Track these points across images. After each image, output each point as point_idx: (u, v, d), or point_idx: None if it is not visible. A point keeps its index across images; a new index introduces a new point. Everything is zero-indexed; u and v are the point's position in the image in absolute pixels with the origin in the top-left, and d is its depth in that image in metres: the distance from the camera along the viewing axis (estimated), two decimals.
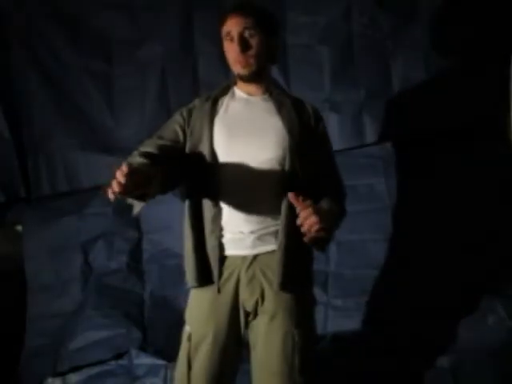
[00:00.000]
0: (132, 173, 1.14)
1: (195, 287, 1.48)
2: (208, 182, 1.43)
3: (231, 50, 1.44)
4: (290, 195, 1.27)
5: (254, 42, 1.42)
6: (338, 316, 2.12)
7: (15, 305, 2.41)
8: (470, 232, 2.08)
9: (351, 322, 2.08)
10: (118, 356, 2.09)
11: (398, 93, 2.20)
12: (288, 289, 1.42)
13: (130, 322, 2.21)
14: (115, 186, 1.13)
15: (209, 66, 2.31)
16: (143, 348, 2.09)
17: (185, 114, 1.51)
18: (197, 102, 1.54)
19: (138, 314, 2.28)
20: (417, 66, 2.17)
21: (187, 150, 1.46)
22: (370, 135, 2.23)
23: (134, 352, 2.07)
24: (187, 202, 1.48)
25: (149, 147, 1.41)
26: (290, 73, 2.29)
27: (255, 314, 1.44)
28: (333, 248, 2.21)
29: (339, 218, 1.51)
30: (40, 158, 2.51)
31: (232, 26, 1.42)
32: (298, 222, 1.27)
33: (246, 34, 1.42)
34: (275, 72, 2.27)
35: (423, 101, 2.16)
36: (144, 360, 2.04)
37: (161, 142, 1.44)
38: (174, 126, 1.50)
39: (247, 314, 1.45)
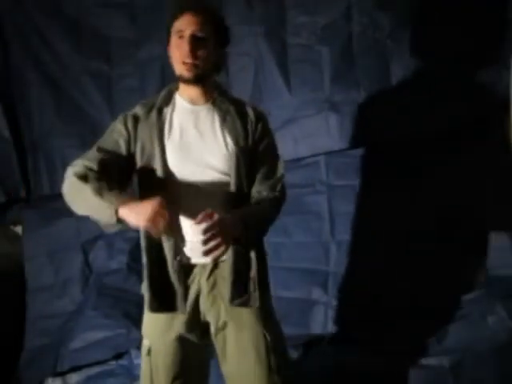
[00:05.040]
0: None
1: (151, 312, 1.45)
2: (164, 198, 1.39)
3: (179, 49, 1.38)
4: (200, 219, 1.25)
5: (204, 44, 1.38)
6: (337, 316, 2.12)
7: (15, 305, 2.41)
8: (470, 232, 2.08)
9: (351, 322, 2.08)
10: (118, 356, 2.09)
11: (397, 93, 2.20)
12: (237, 304, 1.40)
13: (130, 322, 2.21)
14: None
15: None
16: None
17: (130, 124, 1.43)
18: (139, 110, 1.47)
19: (137, 314, 2.27)
20: (417, 65, 2.16)
21: (138, 165, 1.41)
22: (370, 135, 2.23)
23: (133, 352, 2.07)
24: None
25: (92, 163, 1.36)
26: (290, 73, 2.29)
27: (217, 323, 1.42)
28: (333, 248, 2.21)
29: (269, 213, 1.44)
30: (40, 157, 2.52)
31: (186, 25, 1.37)
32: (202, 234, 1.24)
33: (199, 35, 1.37)
34: (275, 72, 2.28)
35: (423, 101, 2.16)
36: None
37: (101, 156, 1.38)
38: (116, 138, 1.42)
39: (207, 323, 1.44)
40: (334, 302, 2.14)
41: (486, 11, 2.11)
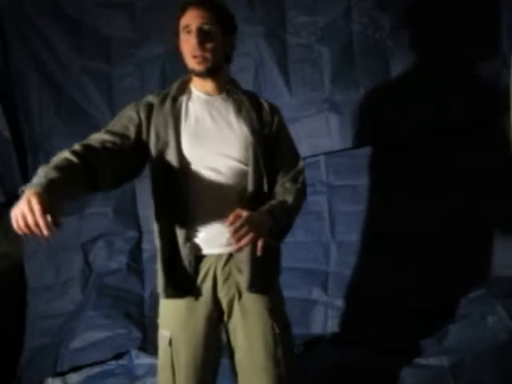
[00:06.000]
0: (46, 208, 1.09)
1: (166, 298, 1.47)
2: (178, 188, 1.41)
3: (188, 43, 1.41)
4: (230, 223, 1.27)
5: (212, 36, 1.40)
6: (337, 316, 2.12)
7: (15, 305, 2.41)
8: (470, 232, 2.08)
9: (351, 322, 2.08)
10: (118, 356, 2.09)
11: (397, 93, 2.20)
12: (255, 290, 1.43)
13: (130, 321, 2.21)
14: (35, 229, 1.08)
15: None
16: (143, 348, 2.09)
17: (142, 112, 1.44)
18: (152, 99, 1.48)
19: (137, 313, 2.28)
20: (417, 66, 2.16)
21: (153, 153, 1.42)
22: (370, 135, 2.23)
23: (134, 352, 2.07)
24: (155, 208, 1.45)
25: (93, 141, 1.35)
26: (290, 73, 2.29)
27: (230, 313, 1.45)
28: (333, 248, 2.21)
29: (295, 205, 1.47)
30: (40, 157, 2.52)
31: (191, 19, 1.40)
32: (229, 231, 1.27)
33: (205, 28, 1.39)
34: (275, 72, 2.28)
35: (423, 101, 2.16)
36: (144, 360, 2.04)
37: (105, 137, 1.37)
38: (125, 123, 1.42)
39: (222, 312, 1.46)
40: (334, 302, 2.14)
41: (486, 11, 2.11)
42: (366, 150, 2.24)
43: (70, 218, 2.46)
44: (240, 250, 1.31)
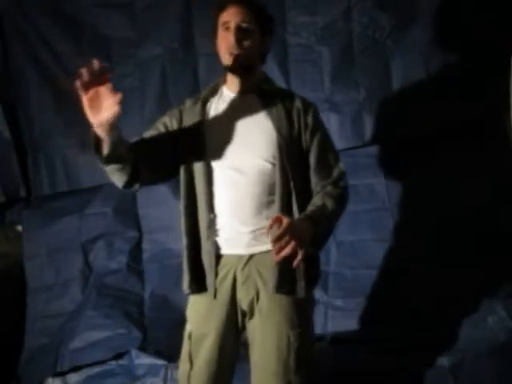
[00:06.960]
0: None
1: (190, 294, 1.51)
2: (203, 187, 1.44)
3: (226, 40, 1.43)
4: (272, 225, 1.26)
5: (250, 34, 1.42)
6: (337, 316, 2.12)
7: (15, 305, 2.41)
8: (470, 232, 2.08)
9: (351, 322, 2.08)
10: (118, 356, 2.09)
11: (397, 93, 2.20)
12: (283, 292, 1.42)
13: (130, 321, 2.21)
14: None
15: (209, 66, 2.31)
16: (143, 348, 2.09)
17: (174, 115, 1.51)
18: (186, 103, 1.54)
19: (137, 313, 2.28)
20: (417, 65, 2.16)
21: (181, 154, 1.47)
22: (370, 135, 2.23)
23: (134, 352, 2.07)
24: (182, 207, 1.49)
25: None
26: (290, 73, 2.29)
27: (251, 314, 1.45)
28: (333, 248, 2.21)
29: (337, 210, 1.45)
30: (40, 157, 2.52)
31: (231, 16, 1.42)
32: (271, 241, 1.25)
33: (244, 25, 1.42)
34: (275, 72, 2.28)
35: (423, 101, 2.16)
36: (144, 360, 2.03)
37: (139, 139, 1.48)
38: (159, 126, 1.51)
39: (243, 314, 1.46)
40: (334, 302, 2.14)
41: (486, 12, 2.11)
42: (366, 150, 2.24)
43: (70, 218, 2.46)
44: (280, 260, 1.27)
